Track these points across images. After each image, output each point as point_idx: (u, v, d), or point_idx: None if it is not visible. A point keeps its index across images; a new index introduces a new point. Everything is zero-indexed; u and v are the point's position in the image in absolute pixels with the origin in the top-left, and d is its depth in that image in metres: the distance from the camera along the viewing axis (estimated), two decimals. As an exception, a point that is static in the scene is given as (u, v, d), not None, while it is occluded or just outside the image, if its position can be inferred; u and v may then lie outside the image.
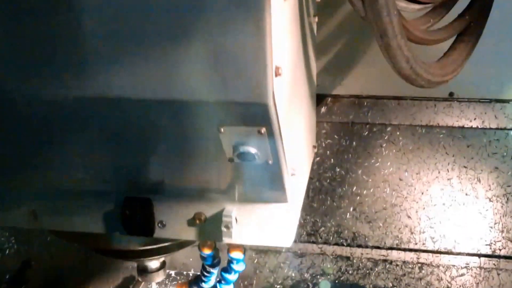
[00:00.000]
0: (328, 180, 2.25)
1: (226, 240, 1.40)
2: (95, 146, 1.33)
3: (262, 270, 2.33)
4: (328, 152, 2.23)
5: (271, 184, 1.34)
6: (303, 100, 1.60)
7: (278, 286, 2.30)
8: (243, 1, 1.00)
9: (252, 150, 1.21)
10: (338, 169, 2.25)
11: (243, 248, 1.52)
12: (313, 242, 2.30)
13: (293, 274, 2.32)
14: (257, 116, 1.15)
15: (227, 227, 1.38)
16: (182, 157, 1.32)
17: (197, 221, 1.41)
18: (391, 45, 1.27)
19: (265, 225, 1.40)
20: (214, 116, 1.17)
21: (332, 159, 2.24)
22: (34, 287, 2.34)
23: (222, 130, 1.19)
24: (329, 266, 2.28)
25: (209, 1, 1.01)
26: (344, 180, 2.25)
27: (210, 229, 1.41)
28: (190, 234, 1.44)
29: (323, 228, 2.29)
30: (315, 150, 1.84)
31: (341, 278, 2.28)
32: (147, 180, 1.39)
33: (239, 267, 1.54)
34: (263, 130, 1.17)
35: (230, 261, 1.53)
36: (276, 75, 1.10)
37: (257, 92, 1.10)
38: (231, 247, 1.51)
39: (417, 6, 1.49)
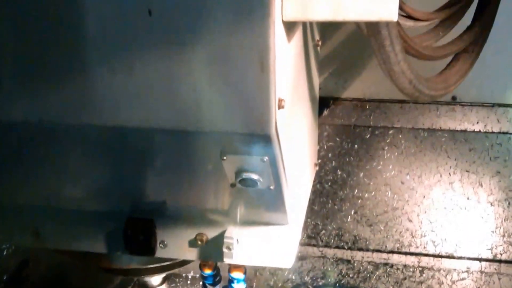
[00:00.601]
0: (329, 183, 2.24)
1: (227, 260, 1.40)
2: (98, 170, 1.32)
3: (262, 273, 2.34)
4: (329, 154, 2.22)
5: (272, 207, 1.34)
6: (306, 122, 1.60)
7: (277, 290, 2.31)
8: (248, 41, 1.00)
9: (254, 176, 1.21)
10: (339, 172, 2.24)
11: (244, 268, 1.52)
12: (314, 245, 2.31)
13: (293, 277, 2.33)
14: (260, 147, 1.15)
15: (229, 248, 1.38)
16: (184, 181, 1.32)
17: (199, 242, 1.41)
18: (395, 70, 1.25)
19: (266, 246, 1.40)
20: (217, 145, 1.17)
21: (333, 162, 2.23)
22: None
23: (225, 158, 1.19)
24: (329, 269, 2.28)
25: (216, 38, 1.02)
26: (346, 183, 2.24)
27: (212, 250, 1.41)
28: (191, 254, 1.44)
29: (324, 231, 2.29)
30: (317, 168, 1.83)
31: (342, 282, 2.29)
32: (150, 201, 1.38)
33: (239, 286, 1.54)
34: (266, 158, 1.17)
35: (230, 281, 1.53)
36: (279, 108, 1.10)
37: (260, 124, 1.10)
38: (232, 266, 1.51)
39: (424, 24, 1.47)
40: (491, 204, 2.20)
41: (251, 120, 1.10)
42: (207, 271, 1.54)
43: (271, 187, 1.24)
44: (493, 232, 2.22)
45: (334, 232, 2.29)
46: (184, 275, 2.03)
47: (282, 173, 1.22)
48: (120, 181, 1.35)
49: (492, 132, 2.13)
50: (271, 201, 1.30)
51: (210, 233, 1.41)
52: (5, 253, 2.25)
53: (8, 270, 2.37)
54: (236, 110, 1.09)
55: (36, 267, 2.37)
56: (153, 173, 1.31)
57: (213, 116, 1.11)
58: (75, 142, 1.25)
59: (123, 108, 1.14)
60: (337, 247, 2.30)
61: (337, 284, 2.27)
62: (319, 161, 2.19)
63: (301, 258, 2.30)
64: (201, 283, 1.61)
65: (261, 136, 1.12)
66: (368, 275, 2.28)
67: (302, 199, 1.57)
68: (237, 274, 1.51)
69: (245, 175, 1.21)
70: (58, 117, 1.17)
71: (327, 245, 2.30)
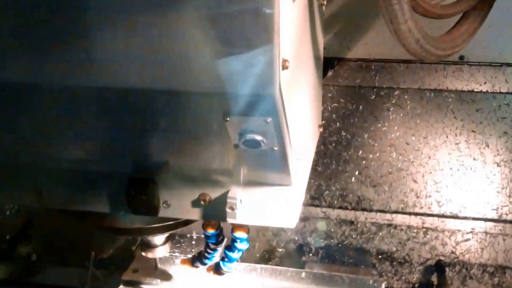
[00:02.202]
0: (333, 144, 2.22)
1: (230, 220, 1.40)
2: (100, 131, 1.31)
3: (265, 233, 2.34)
4: (334, 116, 2.19)
5: (276, 168, 1.33)
6: (310, 82, 1.57)
7: (280, 249, 2.32)
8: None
9: (258, 137, 1.20)
10: (343, 133, 2.22)
11: (247, 228, 1.52)
12: (317, 206, 2.30)
13: (296, 238, 2.33)
14: (264, 107, 1.13)
15: (232, 208, 1.37)
16: (187, 142, 1.31)
17: (202, 202, 1.40)
18: (402, 29, 1.23)
19: (269, 206, 1.40)
20: (220, 106, 1.15)
21: (338, 123, 2.20)
22: (36, 247, 2.37)
23: (228, 119, 1.17)
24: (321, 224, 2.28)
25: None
26: (350, 144, 2.23)
27: (215, 210, 1.41)
28: (194, 214, 1.44)
29: (327, 192, 2.28)
30: (321, 129, 1.81)
31: (345, 242, 2.29)
32: (153, 161, 1.37)
33: (242, 245, 1.54)
34: (269, 119, 1.16)
35: (233, 240, 1.53)
36: (283, 68, 1.08)
37: (264, 84, 1.08)
38: (235, 226, 1.51)
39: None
40: (498, 165, 2.19)
41: (254, 81, 1.08)
42: (210, 231, 1.53)
43: (275, 148, 1.23)
44: (499, 192, 2.21)
45: (337, 193, 2.28)
46: (188, 235, 2.03)
47: (286, 134, 1.21)
48: (122, 142, 1.34)
49: (500, 93, 2.10)
50: (275, 162, 1.29)
51: (213, 193, 1.40)
52: (8, 213, 2.26)
53: (12, 230, 2.39)
54: (239, 70, 1.07)
55: (40, 227, 2.39)
56: (156, 134, 1.30)
57: (216, 77, 1.09)
58: (76, 104, 1.24)
59: (124, 69, 1.12)
60: (341, 207, 2.30)
61: (340, 245, 2.28)
62: (323, 122, 2.17)
63: (304, 219, 2.30)
64: (204, 243, 1.61)
65: (264, 97, 1.10)
66: (372, 236, 2.29)
67: (306, 160, 1.56)
68: (240, 234, 1.51)
69: (248, 136, 1.19)
70: (59, 79, 1.16)
71: (330, 206, 2.30)
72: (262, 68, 1.05)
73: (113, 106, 1.23)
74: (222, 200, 1.39)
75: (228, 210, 1.38)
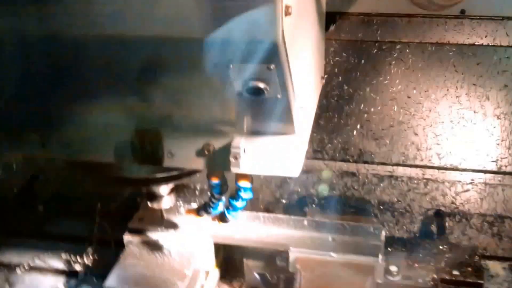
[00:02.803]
0: (335, 98, 2.24)
1: (234, 170, 1.43)
2: (106, 82, 1.33)
3: (268, 185, 2.38)
4: (336, 70, 2.20)
5: (279, 117, 1.35)
6: (313, 33, 1.58)
7: (283, 201, 2.36)
8: None
9: (261, 85, 1.22)
10: (346, 87, 2.23)
11: (251, 177, 1.54)
12: (320, 159, 2.33)
13: (299, 189, 2.37)
14: (267, 54, 1.15)
15: (235, 157, 1.40)
16: (191, 91, 1.33)
17: (206, 152, 1.43)
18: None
19: (273, 156, 1.42)
20: (224, 53, 1.17)
21: (340, 77, 2.21)
22: (43, 201, 2.41)
23: (232, 66, 1.19)
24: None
25: None
26: (352, 98, 2.24)
27: (219, 159, 1.44)
28: (198, 163, 1.47)
29: (329, 145, 2.31)
30: (323, 81, 1.83)
31: (347, 194, 2.33)
32: (157, 112, 1.40)
33: (246, 195, 1.57)
34: (272, 66, 1.18)
35: (238, 189, 1.56)
36: (286, 15, 1.10)
37: (267, 30, 1.10)
38: (239, 176, 1.54)
39: None
40: (498, 117, 2.20)
41: (257, 27, 1.10)
42: (214, 181, 1.57)
43: (278, 96, 1.25)
44: (498, 144, 2.23)
45: (339, 146, 2.31)
46: (192, 186, 2.07)
47: (289, 81, 1.23)
48: (128, 93, 1.36)
49: (501, 46, 2.10)
50: (278, 110, 1.31)
51: (217, 143, 1.43)
52: (15, 167, 2.30)
53: (18, 184, 2.43)
54: (242, 17, 1.08)
55: (47, 181, 2.43)
56: (161, 82, 1.32)
57: (219, 23, 1.11)
58: (83, 54, 1.26)
59: (130, 18, 1.14)
60: (343, 160, 2.33)
61: (342, 196, 2.32)
62: (326, 76, 2.19)
63: (307, 171, 2.34)
64: (208, 192, 1.64)
65: (267, 42, 1.12)
66: (373, 187, 2.33)
67: (309, 109, 1.58)
68: (244, 183, 1.54)
69: (251, 83, 1.22)
70: (68, 28, 1.18)
71: (332, 159, 2.33)
72: (265, 13, 1.07)
73: (117, 56, 1.25)
74: (225, 150, 1.41)
75: (232, 159, 1.41)
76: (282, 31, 1.10)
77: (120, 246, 1.92)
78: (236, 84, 1.24)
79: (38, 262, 2.11)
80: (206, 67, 1.23)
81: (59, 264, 2.09)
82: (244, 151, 1.41)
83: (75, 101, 1.41)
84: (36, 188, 2.43)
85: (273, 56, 1.16)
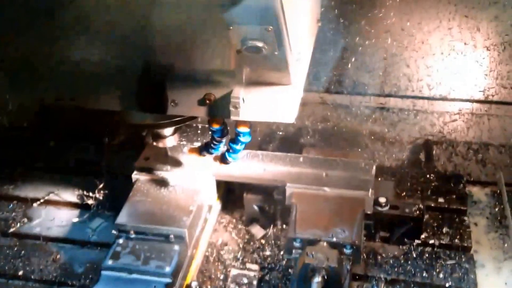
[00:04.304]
0: (331, 31, 2.27)
1: (234, 118, 1.52)
2: (112, 34, 1.39)
3: (265, 118, 2.45)
4: (332, 3, 2.21)
5: (276, 70, 1.42)
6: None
7: (280, 133, 2.44)
8: None
9: (259, 44, 1.28)
10: (341, 20, 2.25)
11: (249, 123, 1.63)
12: (315, 91, 2.41)
13: (294, 122, 2.43)
14: (265, 17, 1.21)
15: (235, 107, 1.49)
16: (193, 47, 1.39)
17: (207, 101, 1.51)
18: None
19: (270, 104, 1.51)
20: (223, 16, 1.23)
21: (335, 10, 2.23)
22: (54, 134, 2.49)
23: (231, 27, 1.25)
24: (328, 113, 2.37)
25: None
26: (347, 31, 2.28)
27: (219, 108, 1.52)
28: (200, 112, 1.55)
29: (324, 78, 2.37)
30: (319, 24, 1.87)
31: (340, 125, 2.41)
32: (161, 63, 1.47)
33: (245, 139, 1.66)
34: (270, 28, 1.23)
35: (237, 134, 1.65)
36: (282, -23, 1.15)
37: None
38: (238, 122, 1.62)
39: None
40: (487, 49, 2.26)
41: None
42: (215, 126, 1.65)
43: (275, 53, 1.31)
44: (486, 75, 2.30)
45: (334, 78, 2.37)
46: (194, 125, 2.13)
47: (286, 40, 1.29)
48: (133, 45, 1.42)
49: (494, -23, 2.13)
50: (275, 64, 1.38)
51: (218, 93, 1.50)
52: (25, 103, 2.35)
53: (29, 118, 2.50)
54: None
55: (57, 117, 2.49)
56: (164, 38, 1.38)
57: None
58: (90, 8, 1.32)
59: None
60: (337, 92, 2.40)
61: (335, 127, 2.39)
62: (322, 9, 2.21)
63: (302, 104, 2.39)
64: (209, 134, 1.73)
65: (265, 6, 1.18)
66: (365, 118, 2.41)
67: (305, 58, 1.64)
68: (243, 129, 1.63)
69: (250, 43, 1.27)
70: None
71: (327, 91, 2.40)
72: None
73: (123, 15, 1.31)
74: (226, 99, 1.50)
75: (232, 108, 1.49)
76: (279, -5, 1.15)
77: (128, 178, 1.99)
78: (236, 43, 1.29)
79: (52, 196, 2.21)
80: (207, 28, 1.30)
81: (73, 198, 2.20)
82: (243, 100, 1.49)
83: (87, 53, 1.47)
84: (47, 122, 2.50)
85: (271, 19, 1.21)
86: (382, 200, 1.90)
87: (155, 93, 1.53)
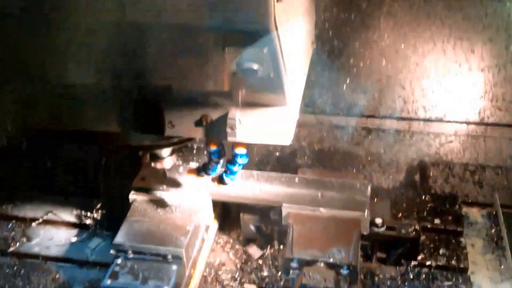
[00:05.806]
0: (326, 53, 2.30)
1: (230, 139, 1.53)
2: (109, 58, 1.41)
3: (262, 139, 2.46)
4: (326, 25, 2.24)
5: (272, 91, 1.44)
6: (304, 5, 1.64)
7: (277, 153, 2.45)
8: None
9: (255, 66, 1.30)
10: (336, 42, 2.28)
11: (246, 145, 1.65)
12: (311, 113, 2.42)
13: (291, 143, 2.45)
14: (260, 39, 1.23)
15: (232, 128, 1.50)
16: (190, 69, 1.41)
17: (204, 122, 1.53)
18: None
19: (266, 126, 1.53)
20: (219, 39, 1.25)
21: (330, 32, 2.26)
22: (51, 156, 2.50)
23: (226, 50, 1.27)
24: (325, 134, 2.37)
25: None
26: (342, 53, 2.30)
27: (216, 129, 1.54)
28: (197, 133, 1.57)
29: (320, 100, 2.38)
30: (314, 45, 1.89)
31: (337, 146, 2.43)
32: (158, 85, 1.48)
33: (242, 160, 1.68)
34: (265, 50, 1.26)
35: (234, 156, 1.67)
36: (277, 1, 1.17)
37: (259, 17, 1.18)
38: (235, 144, 1.64)
39: None
40: (482, 70, 2.28)
41: (250, 14, 1.18)
42: (213, 148, 1.67)
43: (271, 75, 1.33)
44: (482, 97, 2.32)
45: (330, 100, 2.39)
46: (189, 145, 2.14)
47: (281, 62, 1.31)
48: (130, 67, 1.44)
49: (487, 0, 2.15)
50: (271, 86, 1.40)
51: (214, 114, 1.52)
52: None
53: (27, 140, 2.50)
54: (235, 4, 1.16)
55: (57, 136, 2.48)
56: (161, 61, 1.40)
57: (213, 11, 1.19)
58: (89, 33, 1.34)
59: (130, 5, 1.23)
60: (333, 114, 2.42)
61: (332, 148, 2.40)
62: (317, 31, 2.24)
63: (298, 125, 2.41)
64: (206, 157, 1.74)
65: (260, 29, 1.20)
66: (361, 139, 2.42)
67: (300, 79, 1.66)
68: (240, 150, 1.65)
69: (245, 65, 1.30)
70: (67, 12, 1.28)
71: (323, 113, 2.41)
72: (257, 2, 1.15)
73: (120, 40, 1.33)
74: (222, 121, 1.51)
75: (228, 129, 1.51)
76: (274, 17, 1.18)
77: (125, 199, 1.99)
78: (231, 66, 1.32)
79: (51, 216, 2.23)
80: (203, 50, 1.32)
81: (71, 218, 2.21)
82: (240, 121, 1.50)
83: (85, 76, 1.49)
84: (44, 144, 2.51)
85: (266, 41, 1.23)
86: (378, 221, 1.91)
87: (152, 115, 1.55)
